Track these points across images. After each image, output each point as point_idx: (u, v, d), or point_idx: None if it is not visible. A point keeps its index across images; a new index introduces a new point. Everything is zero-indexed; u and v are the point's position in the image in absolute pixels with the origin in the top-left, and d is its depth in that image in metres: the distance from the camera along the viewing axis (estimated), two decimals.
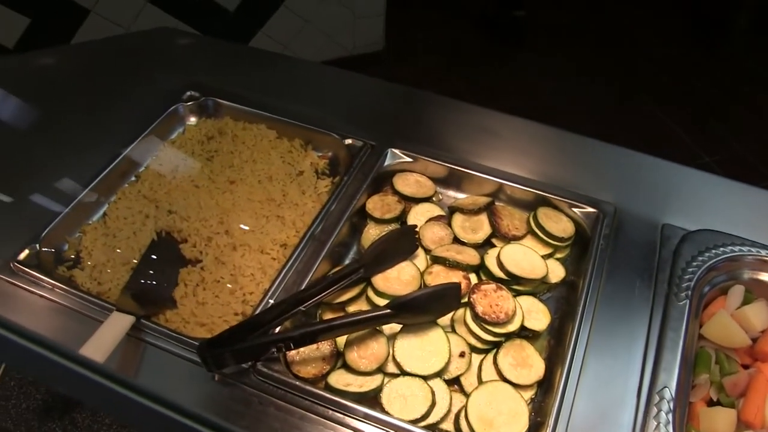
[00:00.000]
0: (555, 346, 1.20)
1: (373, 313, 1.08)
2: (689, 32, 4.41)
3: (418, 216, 1.37)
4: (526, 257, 1.25)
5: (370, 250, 1.21)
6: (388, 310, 1.07)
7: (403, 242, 1.26)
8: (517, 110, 1.59)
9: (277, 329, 1.11)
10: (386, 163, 1.44)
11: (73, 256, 1.30)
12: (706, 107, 3.76)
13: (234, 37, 3.43)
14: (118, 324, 1.08)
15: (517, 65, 4.03)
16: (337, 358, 1.13)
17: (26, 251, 1.23)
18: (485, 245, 1.34)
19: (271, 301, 1.17)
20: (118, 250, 1.30)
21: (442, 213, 1.38)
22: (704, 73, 4.01)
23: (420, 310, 1.11)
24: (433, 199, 1.43)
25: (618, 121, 3.60)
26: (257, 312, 1.15)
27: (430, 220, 1.36)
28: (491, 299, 1.17)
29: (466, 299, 1.19)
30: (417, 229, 1.31)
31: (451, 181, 1.45)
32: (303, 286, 1.18)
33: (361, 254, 1.34)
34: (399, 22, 4.00)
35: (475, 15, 4.43)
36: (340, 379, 1.09)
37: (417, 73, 3.89)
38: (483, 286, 1.19)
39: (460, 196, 1.45)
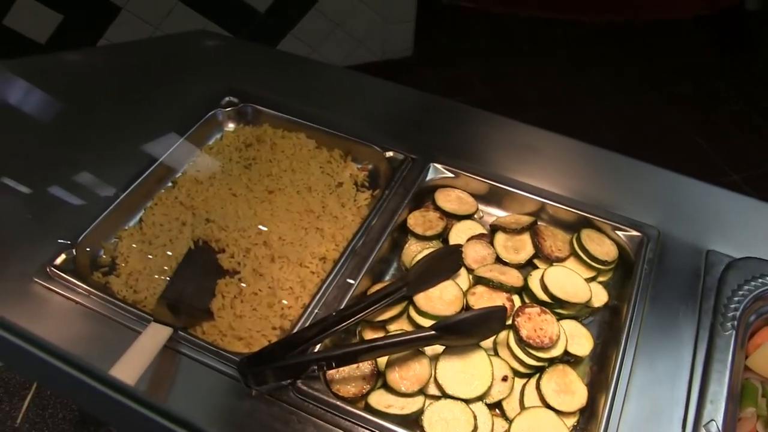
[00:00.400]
0: (597, 372, 1.17)
1: (417, 335, 1.06)
2: (710, 41, 4.34)
3: (459, 234, 1.34)
4: (570, 280, 1.23)
5: (414, 269, 1.19)
6: (433, 332, 1.05)
7: (447, 262, 1.24)
8: (543, 121, 1.57)
9: (318, 347, 1.09)
10: (428, 178, 1.41)
11: (109, 262, 1.29)
12: (726, 119, 3.69)
13: (263, 38, 3.42)
14: (155, 337, 1.06)
15: (541, 74, 3.99)
16: (378, 378, 1.11)
17: (63, 256, 1.21)
18: (527, 265, 1.32)
19: (313, 316, 1.15)
20: (155, 258, 1.28)
21: (484, 231, 1.36)
22: (727, 84, 3.94)
23: (465, 332, 1.08)
24: (475, 216, 1.40)
25: (640, 133, 3.55)
26: (298, 328, 1.13)
27: (471, 238, 1.33)
28: (535, 323, 1.14)
29: (509, 322, 1.16)
30: (461, 249, 1.28)
31: (492, 198, 1.42)
32: (344, 303, 1.16)
33: (401, 271, 1.32)
34: (427, 28, 3.97)
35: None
36: (381, 400, 1.07)
37: (445, 80, 3.86)
38: (527, 310, 1.16)
39: (501, 213, 1.42)
